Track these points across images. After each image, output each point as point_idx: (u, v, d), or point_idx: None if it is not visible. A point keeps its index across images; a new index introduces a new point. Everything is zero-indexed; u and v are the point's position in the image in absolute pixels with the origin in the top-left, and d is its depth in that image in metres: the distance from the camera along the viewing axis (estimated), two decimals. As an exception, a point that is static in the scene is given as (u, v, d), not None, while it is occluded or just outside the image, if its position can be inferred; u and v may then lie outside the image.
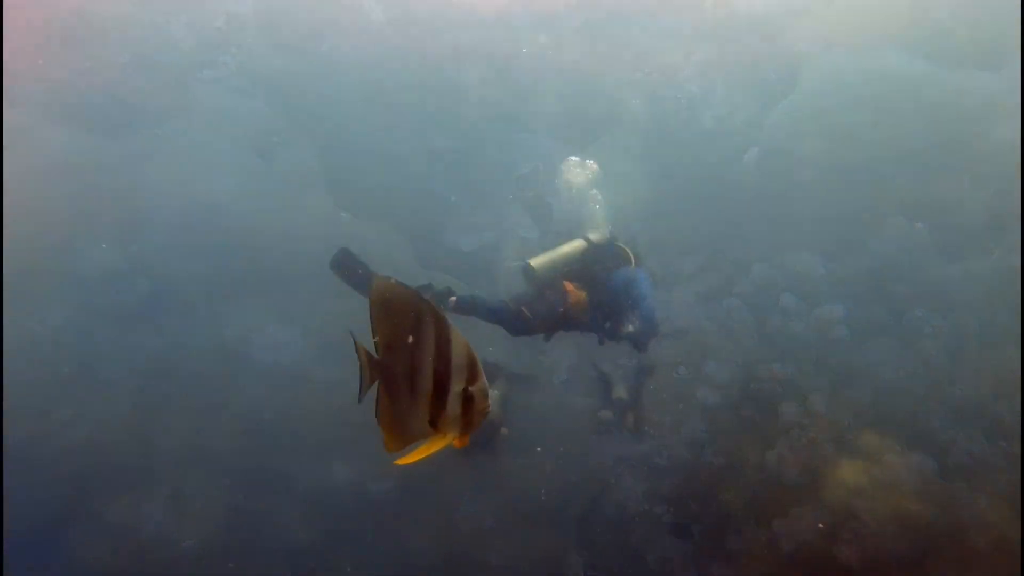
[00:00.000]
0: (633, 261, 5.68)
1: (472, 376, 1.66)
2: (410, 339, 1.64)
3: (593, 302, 5.51)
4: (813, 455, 7.94)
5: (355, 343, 1.72)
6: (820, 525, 6.99)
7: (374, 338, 1.69)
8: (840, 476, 7.56)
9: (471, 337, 1.70)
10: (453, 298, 5.29)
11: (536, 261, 5.48)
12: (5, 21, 7.86)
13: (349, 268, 5.33)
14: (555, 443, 15.48)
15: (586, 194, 6.19)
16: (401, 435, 1.71)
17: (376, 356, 1.71)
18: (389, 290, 1.64)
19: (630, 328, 5.57)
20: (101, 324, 9.79)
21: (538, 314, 5.36)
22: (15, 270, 8.89)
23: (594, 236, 5.75)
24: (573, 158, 6.76)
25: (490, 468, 10.15)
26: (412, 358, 1.64)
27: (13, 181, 8.71)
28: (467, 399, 1.66)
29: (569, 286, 5.40)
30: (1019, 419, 6.74)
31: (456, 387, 1.64)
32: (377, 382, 1.72)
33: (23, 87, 8.71)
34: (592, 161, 6.69)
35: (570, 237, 5.82)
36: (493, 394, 9.12)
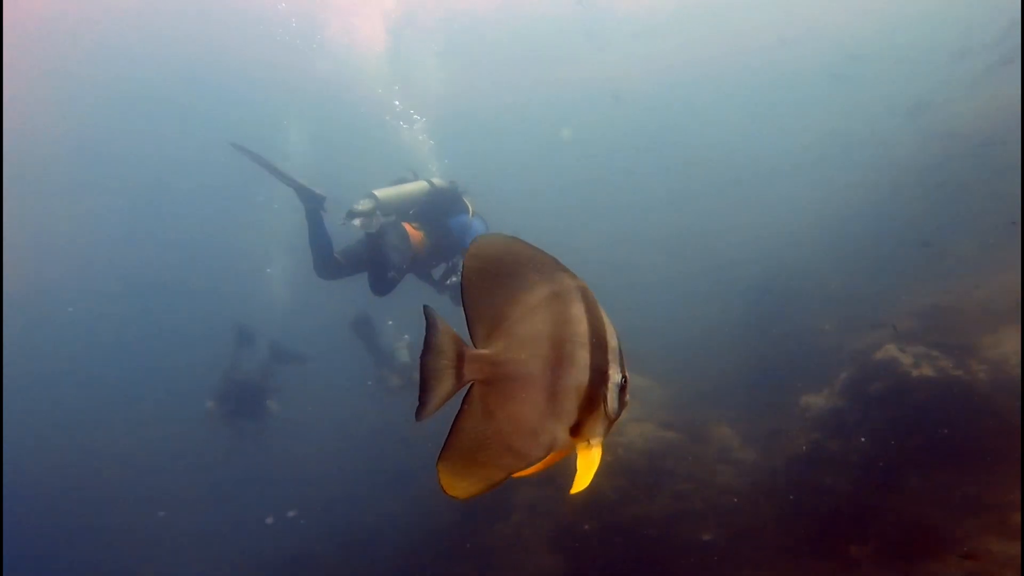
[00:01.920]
0: (471, 211, 5.73)
1: (623, 361, 1.26)
2: (538, 317, 1.18)
3: (431, 244, 5.52)
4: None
5: (434, 326, 1.17)
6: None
7: (470, 319, 1.21)
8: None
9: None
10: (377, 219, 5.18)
11: (380, 192, 5.35)
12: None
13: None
14: (334, 408, 15.46)
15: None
16: (513, 460, 1.19)
17: (474, 347, 1.20)
18: (499, 249, 1.18)
19: (454, 279, 5.76)
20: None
21: (395, 265, 5.31)
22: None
23: (437, 181, 5.75)
24: None
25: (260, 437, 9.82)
26: (554, 343, 1.17)
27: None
28: (621, 391, 1.25)
29: (408, 227, 5.36)
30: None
31: (616, 376, 1.22)
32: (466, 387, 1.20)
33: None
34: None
35: (416, 178, 5.79)
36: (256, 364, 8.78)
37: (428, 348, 1.17)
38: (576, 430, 1.22)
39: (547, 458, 1.23)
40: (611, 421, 1.27)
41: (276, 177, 5.27)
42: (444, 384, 1.17)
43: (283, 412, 9.22)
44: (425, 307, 1.19)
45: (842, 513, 6.18)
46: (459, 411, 1.20)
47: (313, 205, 5.29)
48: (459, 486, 1.17)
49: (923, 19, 16.50)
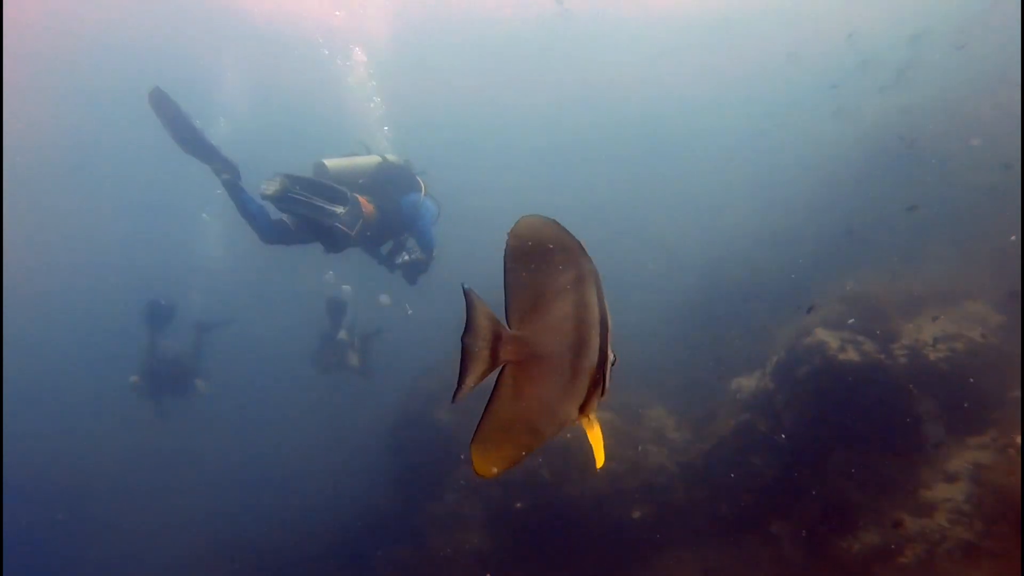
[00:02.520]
0: (424, 190, 5.62)
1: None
2: (567, 298, 1.21)
3: (381, 218, 5.37)
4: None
5: (473, 307, 1.17)
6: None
7: (509, 299, 1.22)
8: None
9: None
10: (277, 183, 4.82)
11: (330, 161, 5.30)
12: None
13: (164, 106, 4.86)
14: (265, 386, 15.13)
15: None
16: (531, 438, 1.23)
17: (511, 328, 1.21)
18: (539, 231, 1.19)
19: (406, 258, 5.69)
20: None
21: (347, 223, 5.06)
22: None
23: (391, 157, 5.66)
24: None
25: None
26: (577, 326, 1.20)
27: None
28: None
29: (361, 198, 5.21)
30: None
31: (612, 355, 1.26)
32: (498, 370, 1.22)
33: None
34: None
35: (368, 152, 5.68)
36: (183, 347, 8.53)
37: (468, 329, 1.17)
38: (583, 408, 1.27)
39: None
40: (602, 397, 1.33)
41: (185, 146, 4.92)
42: (479, 365, 1.18)
43: (212, 391, 8.96)
44: (464, 288, 1.19)
45: (767, 492, 6.34)
46: (493, 393, 1.21)
47: (230, 177, 4.99)
48: (488, 466, 1.21)
49: (841, 30, 17.15)
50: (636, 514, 6.85)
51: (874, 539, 5.40)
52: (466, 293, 1.18)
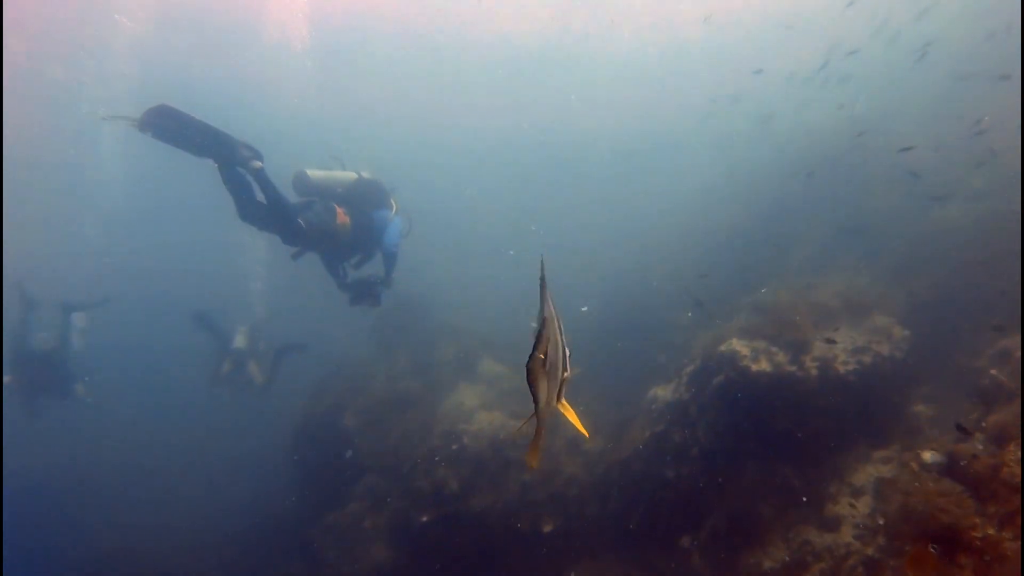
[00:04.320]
0: (395, 208, 5.92)
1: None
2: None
3: (354, 229, 5.64)
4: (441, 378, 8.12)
5: (541, 331, 1.46)
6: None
7: (541, 330, 1.49)
8: (458, 398, 7.82)
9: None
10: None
11: (312, 172, 5.60)
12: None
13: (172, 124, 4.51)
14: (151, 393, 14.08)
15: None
16: (543, 428, 1.61)
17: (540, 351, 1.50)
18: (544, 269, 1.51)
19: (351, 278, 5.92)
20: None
21: (308, 221, 5.27)
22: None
23: (367, 174, 5.92)
24: None
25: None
26: (555, 343, 1.54)
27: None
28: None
29: (339, 208, 5.53)
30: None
31: (568, 350, 1.65)
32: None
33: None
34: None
35: (343, 166, 5.95)
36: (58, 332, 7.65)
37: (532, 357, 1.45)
38: (559, 396, 1.57)
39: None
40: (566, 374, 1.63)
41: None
42: (540, 379, 1.46)
43: (92, 397, 8.14)
44: (532, 324, 1.47)
45: (678, 505, 6.20)
46: (536, 403, 1.49)
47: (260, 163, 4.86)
48: (535, 460, 1.61)
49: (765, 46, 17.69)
50: (547, 527, 6.58)
51: (782, 555, 5.32)
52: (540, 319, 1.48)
